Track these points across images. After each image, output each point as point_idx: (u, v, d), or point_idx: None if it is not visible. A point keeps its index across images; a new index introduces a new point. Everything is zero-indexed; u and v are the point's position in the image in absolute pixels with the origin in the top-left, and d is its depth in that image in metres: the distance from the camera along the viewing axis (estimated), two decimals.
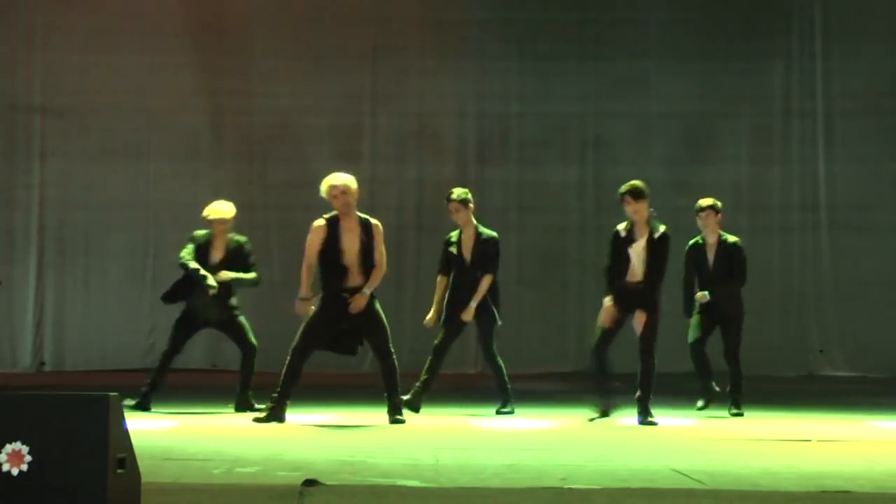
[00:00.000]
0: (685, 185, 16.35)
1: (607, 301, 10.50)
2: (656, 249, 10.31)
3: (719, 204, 11.52)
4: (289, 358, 10.13)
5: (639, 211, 10.37)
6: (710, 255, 11.40)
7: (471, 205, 11.21)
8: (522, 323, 16.36)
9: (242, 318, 11.24)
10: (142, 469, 5.32)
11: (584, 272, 16.68)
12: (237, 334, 11.19)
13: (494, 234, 11.27)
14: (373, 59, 16.94)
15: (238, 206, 16.36)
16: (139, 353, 16.54)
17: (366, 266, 10.13)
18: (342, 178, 10.18)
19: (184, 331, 11.15)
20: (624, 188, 10.46)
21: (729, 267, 11.35)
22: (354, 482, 6.48)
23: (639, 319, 10.29)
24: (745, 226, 16.93)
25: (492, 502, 5.98)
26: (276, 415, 9.98)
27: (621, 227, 10.52)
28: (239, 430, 9.62)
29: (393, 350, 10.21)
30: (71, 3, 16.70)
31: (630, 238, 10.43)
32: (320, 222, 10.17)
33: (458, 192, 11.26)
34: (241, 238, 11.36)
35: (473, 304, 11.01)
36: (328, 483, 6.24)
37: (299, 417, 10.46)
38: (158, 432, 9.04)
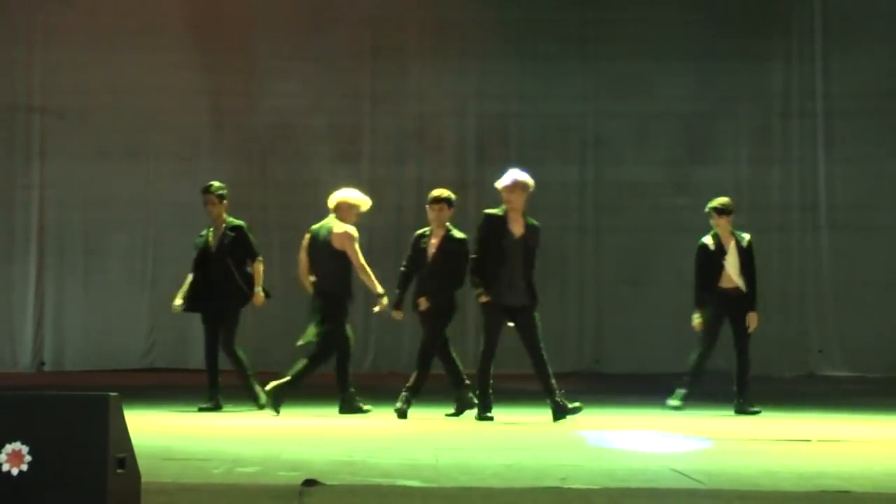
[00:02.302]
0: (685, 185, 16.37)
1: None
2: (749, 256, 11.47)
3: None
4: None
5: (720, 224, 11.51)
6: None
7: (224, 201, 11.75)
8: None
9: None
10: (142, 469, 5.33)
11: (583, 272, 16.70)
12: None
13: (240, 222, 11.77)
14: (373, 59, 16.93)
15: (238, 205, 16.39)
16: (139, 353, 16.55)
17: None
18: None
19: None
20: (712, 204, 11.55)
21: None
22: (354, 482, 6.48)
23: (751, 320, 11.46)
24: (745, 226, 16.92)
25: (492, 502, 5.99)
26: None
27: (708, 240, 11.46)
28: (238, 430, 9.63)
29: None
30: (71, 2, 16.70)
31: (721, 250, 11.46)
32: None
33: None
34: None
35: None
36: (328, 483, 6.24)
37: (299, 417, 10.47)
38: (159, 432, 9.04)
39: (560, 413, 10.31)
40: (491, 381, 10.46)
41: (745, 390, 11.36)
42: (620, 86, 16.83)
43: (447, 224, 11.14)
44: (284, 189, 16.78)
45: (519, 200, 10.58)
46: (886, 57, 16.80)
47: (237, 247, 11.61)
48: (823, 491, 6.37)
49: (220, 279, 11.53)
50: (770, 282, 16.78)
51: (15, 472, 4.99)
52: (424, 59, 16.91)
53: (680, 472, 6.98)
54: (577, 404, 10.55)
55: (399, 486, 6.31)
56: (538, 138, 16.85)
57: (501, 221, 10.55)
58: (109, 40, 16.55)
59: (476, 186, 16.89)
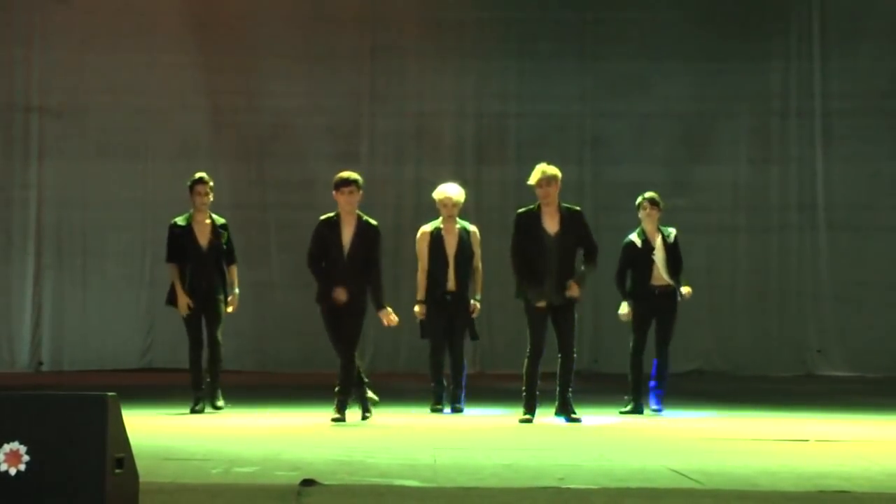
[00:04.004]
0: (684, 185, 16.37)
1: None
2: (675, 251, 11.21)
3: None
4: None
5: (651, 216, 11.23)
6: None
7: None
8: (522, 322, 16.35)
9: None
10: (140, 469, 5.32)
11: None
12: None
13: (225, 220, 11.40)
14: (372, 58, 16.94)
15: (237, 205, 16.40)
16: (137, 353, 16.55)
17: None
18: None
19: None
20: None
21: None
22: (352, 482, 6.47)
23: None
24: (744, 225, 16.97)
25: (490, 502, 5.98)
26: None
27: (634, 238, 11.26)
28: (237, 430, 9.63)
29: None
30: (70, 2, 16.71)
31: (648, 246, 11.20)
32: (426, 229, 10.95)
33: None
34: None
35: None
36: (326, 483, 6.24)
37: (298, 417, 10.45)
38: (157, 432, 9.03)
39: (563, 411, 10.28)
40: (538, 383, 10.34)
41: (662, 388, 11.31)
42: (619, 86, 16.84)
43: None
44: (283, 189, 16.78)
45: (546, 194, 10.34)
46: (886, 57, 16.81)
47: (229, 247, 11.29)
48: (823, 491, 6.36)
49: (210, 277, 11.19)
50: (769, 282, 16.83)
51: (13, 472, 4.99)
52: (424, 59, 16.92)
53: (678, 472, 6.98)
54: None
55: (397, 486, 6.31)
56: (537, 138, 16.85)
57: (531, 218, 10.36)
58: (109, 40, 16.57)
59: (475, 186, 16.90)
